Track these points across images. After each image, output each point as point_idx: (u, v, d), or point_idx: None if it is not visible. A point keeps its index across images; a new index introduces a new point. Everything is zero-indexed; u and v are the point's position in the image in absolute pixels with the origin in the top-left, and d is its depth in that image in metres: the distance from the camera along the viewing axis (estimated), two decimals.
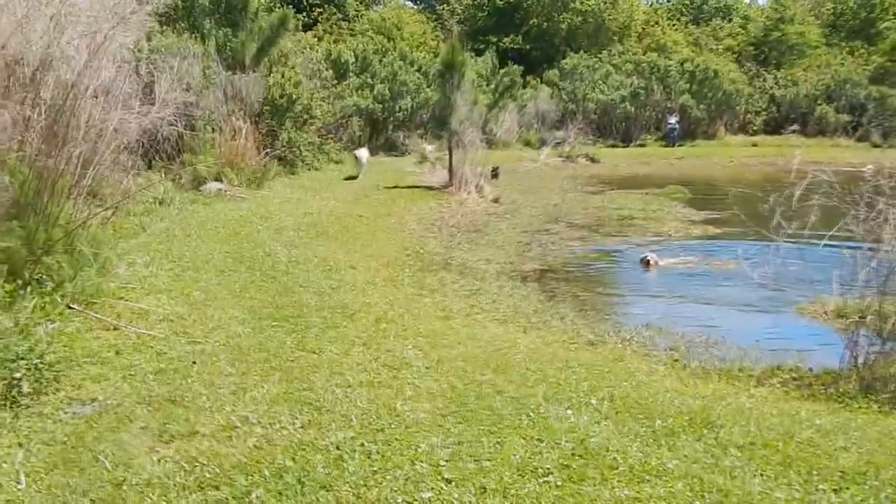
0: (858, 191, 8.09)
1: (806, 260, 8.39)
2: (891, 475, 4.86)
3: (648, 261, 14.39)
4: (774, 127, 47.29)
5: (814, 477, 4.82)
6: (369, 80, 32.32)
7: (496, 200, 21.74)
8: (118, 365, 6.49)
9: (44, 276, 7.58)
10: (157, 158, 17.36)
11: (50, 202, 8.14)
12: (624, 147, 44.66)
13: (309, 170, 23.80)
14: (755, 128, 49.98)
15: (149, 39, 17.34)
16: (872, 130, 40.50)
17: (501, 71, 42.21)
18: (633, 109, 46.37)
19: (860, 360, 7.72)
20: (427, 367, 6.69)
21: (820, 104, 49.19)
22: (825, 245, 8.82)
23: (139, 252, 10.68)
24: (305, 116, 23.93)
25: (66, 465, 4.72)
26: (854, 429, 5.90)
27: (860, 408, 6.92)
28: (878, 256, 7.87)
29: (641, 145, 45.51)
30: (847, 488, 4.68)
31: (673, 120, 45.45)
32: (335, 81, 29.89)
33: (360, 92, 31.47)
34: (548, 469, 4.75)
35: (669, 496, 4.44)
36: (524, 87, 45.33)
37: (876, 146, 35.60)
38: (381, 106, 32.22)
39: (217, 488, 4.41)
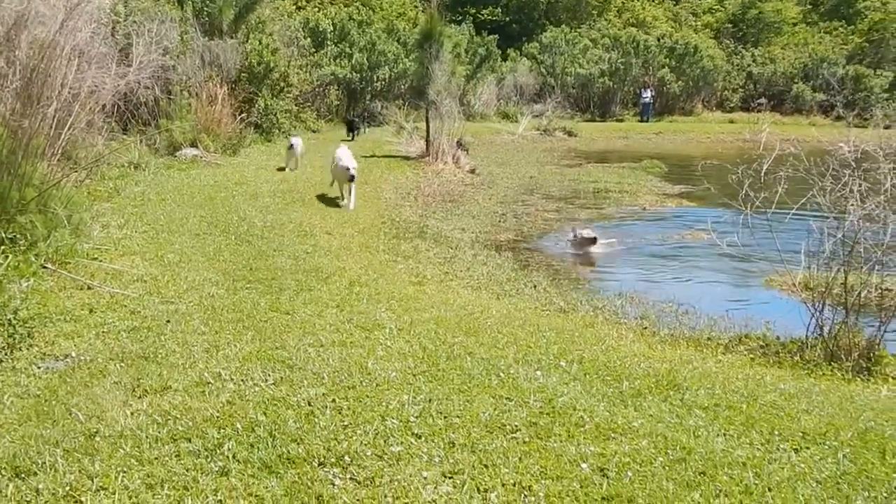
0: (825, 164, 8.21)
1: (774, 231, 8.48)
2: (850, 436, 4.97)
3: (594, 239, 13.52)
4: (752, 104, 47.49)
5: (775, 437, 4.93)
6: (347, 50, 32.19)
7: (473, 171, 21.79)
8: (91, 322, 6.52)
9: (17, 236, 7.59)
10: (132, 123, 17.27)
11: (24, 162, 8.12)
12: (601, 121, 44.79)
13: (286, 137, 23.73)
14: (732, 105, 50.20)
15: (126, 2, 17.21)
16: (847, 110, 40.80)
17: (477, 40, 42.09)
18: (611, 84, 46.47)
19: (825, 330, 7.85)
20: (399, 329, 6.75)
21: (797, 83, 49.44)
22: (793, 217, 8.93)
23: (113, 215, 10.69)
24: (282, 84, 23.89)
25: (39, 418, 4.76)
26: (817, 393, 6.03)
27: (824, 375, 7.07)
28: (844, 228, 7.99)
29: (619, 120, 45.67)
30: (807, 448, 4.80)
31: (647, 95, 45.54)
32: (313, 50, 29.77)
33: (337, 61, 31.35)
34: (516, 426, 4.83)
35: (634, 453, 4.53)
36: (503, 59, 45.29)
37: (851, 126, 35.91)
38: (358, 75, 32.12)
39: (189, 440, 4.46)
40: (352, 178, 14.04)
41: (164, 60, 15.09)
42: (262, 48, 22.55)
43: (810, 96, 48.23)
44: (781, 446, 4.79)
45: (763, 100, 46.33)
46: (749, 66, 51.76)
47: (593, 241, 13.17)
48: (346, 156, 14.55)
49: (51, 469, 4.09)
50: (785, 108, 48.08)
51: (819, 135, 16.41)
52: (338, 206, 14.03)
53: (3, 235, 7.37)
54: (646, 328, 8.62)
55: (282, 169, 17.79)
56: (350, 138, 25.44)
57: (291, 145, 17.89)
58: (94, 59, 9.56)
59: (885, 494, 4.19)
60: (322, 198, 14.60)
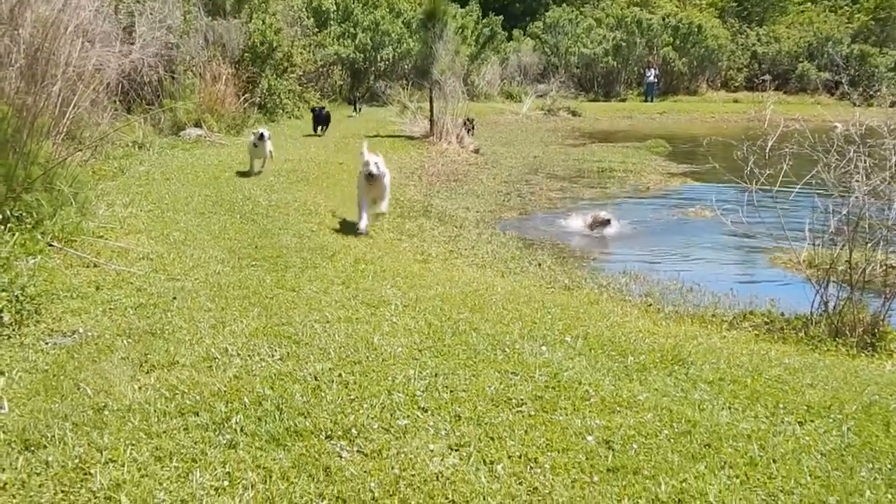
0: (830, 140, 8.20)
1: (779, 209, 8.48)
2: (854, 409, 4.99)
3: (609, 220, 13.31)
4: (756, 83, 47.39)
5: (780, 410, 4.95)
6: (351, 30, 32.13)
7: (477, 151, 21.77)
8: (98, 299, 6.54)
9: (23, 214, 7.59)
10: (136, 102, 17.27)
11: (29, 140, 8.13)
12: (605, 101, 44.70)
13: (289, 118, 23.78)
14: (737, 84, 50.07)
15: None
16: (852, 89, 40.66)
17: (483, 20, 41.99)
18: (615, 64, 46.35)
19: (830, 307, 7.86)
20: (405, 306, 6.77)
21: (802, 62, 49.28)
22: (798, 194, 8.93)
23: (118, 194, 10.70)
24: (286, 64, 23.86)
25: (47, 392, 4.79)
26: (821, 368, 6.04)
27: (828, 350, 7.09)
28: (849, 205, 7.99)
29: (623, 100, 45.59)
30: (812, 420, 4.82)
31: (651, 75, 45.44)
32: (316, 30, 29.71)
33: (341, 41, 31.29)
34: (521, 400, 4.85)
35: (639, 426, 4.56)
36: (508, 39, 45.19)
37: (856, 105, 35.71)
38: (362, 55, 32.07)
39: (197, 414, 4.49)
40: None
41: (167, 39, 15.05)
42: (266, 28, 22.51)
43: (815, 75, 48.08)
44: (786, 419, 4.82)
45: (767, 76, 46.21)
46: (754, 45, 51.61)
47: (607, 222, 13.10)
48: (264, 139, 13.87)
49: (60, 442, 4.11)
50: (790, 87, 47.93)
51: (824, 113, 16.38)
52: (344, 186, 14.00)
53: (10, 213, 7.38)
54: (650, 305, 8.64)
55: (244, 174, 13.91)
56: (355, 114, 26.19)
57: (262, 135, 14.13)
58: (98, 38, 9.54)
59: (889, 466, 4.21)
60: (326, 177, 14.60)
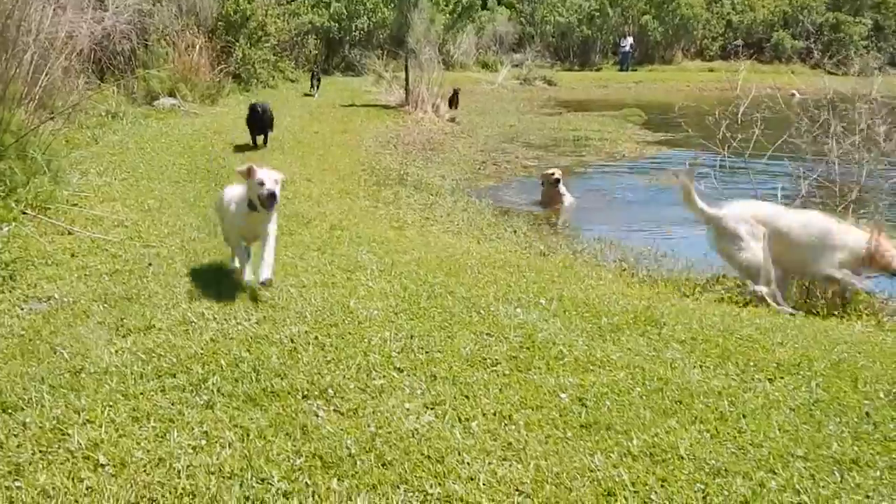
0: (802, 106, 8.29)
1: (752, 173, 8.57)
2: (823, 367, 5.08)
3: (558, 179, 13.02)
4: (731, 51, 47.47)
5: (751, 368, 5.03)
6: None
7: (453, 120, 21.76)
8: (73, 266, 6.54)
9: None
10: (109, 71, 17.11)
11: (1, 107, 8.08)
12: (581, 71, 44.68)
13: (264, 87, 23.64)
14: (712, 53, 50.13)
15: None
16: (825, 58, 40.81)
17: None
18: (590, 33, 46.29)
19: None
20: (381, 270, 6.81)
21: (777, 30, 49.40)
22: (771, 160, 9.01)
23: (92, 162, 10.65)
24: (260, 33, 23.70)
25: (23, 356, 4.80)
26: (792, 328, 6.14)
27: (799, 312, 7.18)
28: (819, 169, 8.09)
29: (598, 69, 45.57)
30: (782, 377, 4.90)
31: (627, 44, 45.42)
32: None
33: (315, 10, 31.08)
34: (496, 360, 4.91)
35: (612, 384, 4.62)
36: (483, 8, 45.00)
37: (830, 73, 35.85)
38: (337, 24, 31.88)
39: (174, 376, 4.51)
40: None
41: (140, 6, 14.92)
42: None
43: (790, 44, 48.22)
44: (756, 376, 4.90)
45: (739, 41, 46.27)
46: (729, 14, 51.67)
47: (557, 181, 12.96)
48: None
49: (37, 404, 4.13)
50: (764, 56, 48.04)
51: (798, 83, 16.47)
52: (319, 154, 13.98)
53: None
54: (624, 270, 8.72)
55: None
56: (314, 93, 24.27)
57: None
58: (70, 4, 9.46)
59: (856, 419, 4.29)
60: (302, 145, 14.57)
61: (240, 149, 13.44)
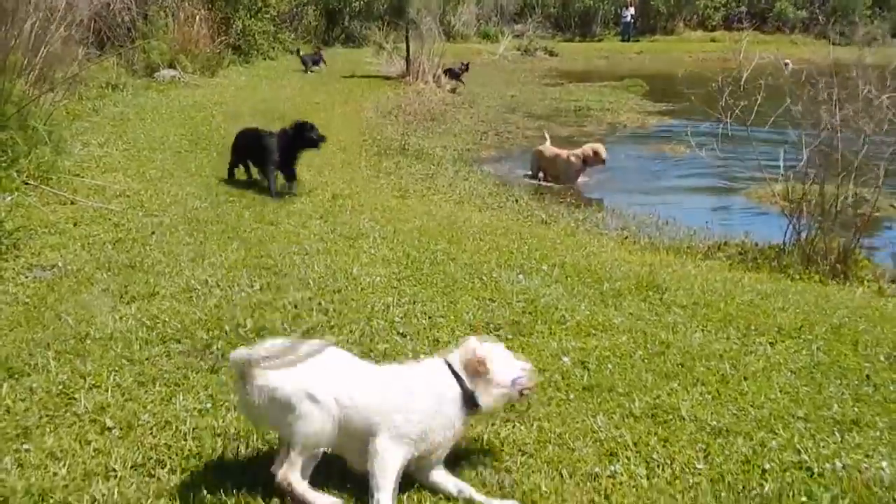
0: (803, 73, 8.27)
1: (754, 142, 8.56)
2: (824, 331, 5.11)
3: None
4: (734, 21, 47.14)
5: (752, 332, 5.06)
6: None
7: (454, 91, 21.68)
8: (76, 235, 6.55)
9: None
10: (109, 43, 17.04)
11: (1, 78, 8.06)
12: (582, 41, 44.46)
13: (264, 59, 23.59)
14: (714, 23, 49.77)
15: None
16: (829, 27, 40.57)
17: None
18: (591, 3, 46.02)
19: (803, 236, 7.97)
20: (383, 238, 6.83)
21: (779, 0, 49.08)
22: (773, 130, 9.01)
23: (93, 133, 10.65)
24: (260, 4, 23.57)
25: (29, 323, 4.82)
26: (793, 293, 6.17)
27: (801, 278, 7.21)
28: (820, 137, 8.08)
29: (600, 40, 45.32)
30: (783, 341, 4.94)
31: (628, 14, 45.13)
32: None
33: None
34: (499, 324, 4.95)
35: (614, 347, 4.66)
36: None
37: (833, 44, 35.66)
38: None
39: (178, 342, 4.54)
40: None
41: None
42: None
43: (793, 14, 47.93)
44: (757, 340, 4.93)
45: (743, 8, 45.98)
46: None
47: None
48: None
49: (43, 370, 4.17)
50: (767, 26, 47.75)
51: (804, 52, 16.40)
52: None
53: None
54: (626, 238, 8.74)
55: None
56: (315, 68, 23.20)
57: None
58: None
59: (856, 381, 4.33)
60: (303, 116, 14.52)
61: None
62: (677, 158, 14.18)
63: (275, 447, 3.37)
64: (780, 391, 4.17)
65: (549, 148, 12.59)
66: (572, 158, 12.17)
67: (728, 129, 8.54)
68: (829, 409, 3.99)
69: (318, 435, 3.04)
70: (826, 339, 4.99)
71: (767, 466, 3.44)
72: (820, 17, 32.13)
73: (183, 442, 3.53)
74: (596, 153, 12.13)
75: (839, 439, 3.69)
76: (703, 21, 50.16)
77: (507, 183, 11.92)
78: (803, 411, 3.95)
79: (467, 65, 22.72)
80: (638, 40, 44.56)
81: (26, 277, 5.61)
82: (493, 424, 3.71)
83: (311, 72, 22.73)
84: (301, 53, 23.91)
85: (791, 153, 8.74)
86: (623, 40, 44.70)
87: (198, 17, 19.22)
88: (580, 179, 12.36)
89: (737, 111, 8.49)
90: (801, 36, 43.85)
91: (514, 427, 3.71)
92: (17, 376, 4.11)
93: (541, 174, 12.43)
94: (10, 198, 6.81)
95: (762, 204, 10.62)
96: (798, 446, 3.61)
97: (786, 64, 8.48)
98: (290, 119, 12.52)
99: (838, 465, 3.45)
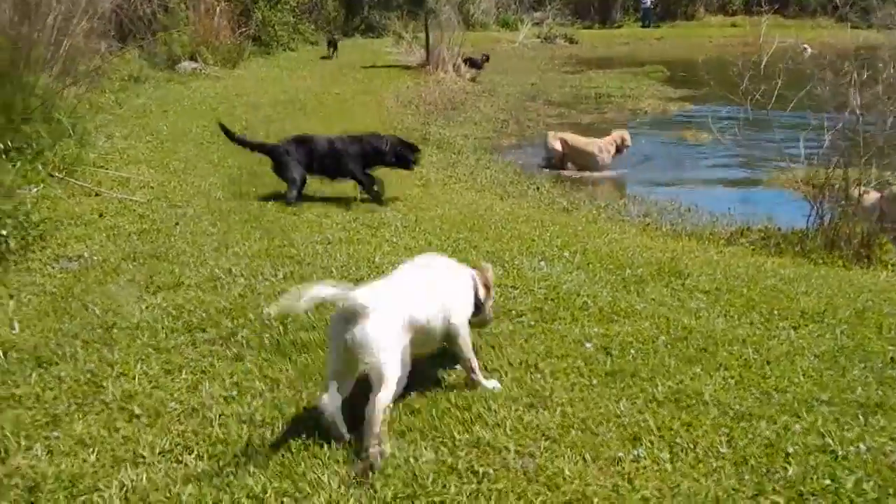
0: (824, 56, 8.22)
1: (776, 126, 8.54)
2: (847, 315, 5.09)
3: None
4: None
5: (775, 317, 5.05)
6: None
7: (473, 80, 21.68)
8: (102, 226, 6.62)
9: (24, 145, 7.64)
10: (131, 35, 17.15)
11: (26, 71, 8.14)
12: (602, 28, 44.31)
13: (284, 50, 23.66)
14: (735, 8, 49.45)
15: None
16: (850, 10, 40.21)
17: None
18: None
19: (826, 221, 7.95)
20: (405, 227, 6.86)
21: None
22: (794, 114, 8.98)
23: (116, 126, 10.74)
24: None
25: (56, 313, 4.88)
26: (816, 278, 6.14)
27: (824, 262, 7.19)
28: (843, 120, 8.04)
29: (619, 26, 45.16)
30: (806, 325, 4.92)
31: (648, 0, 44.96)
32: None
33: None
34: (521, 311, 4.96)
35: (636, 333, 4.66)
36: None
37: (855, 27, 35.35)
38: None
39: (204, 330, 4.59)
40: None
41: None
42: None
43: None
44: (780, 325, 4.92)
45: None
46: None
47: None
48: None
49: (71, 358, 4.22)
50: (788, 11, 47.40)
51: (826, 36, 16.30)
52: (341, 115, 13.98)
53: (10, 144, 7.42)
54: (648, 224, 8.73)
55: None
56: (332, 55, 24.18)
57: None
58: None
59: (880, 365, 4.31)
60: (324, 107, 14.58)
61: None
62: (699, 144, 14.14)
63: (300, 438, 3.40)
64: (804, 375, 4.16)
65: (575, 137, 12.58)
66: (609, 147, 12.23)
67: (749, 114, 8.51)
68: (852, 392, 3.98)
69: (407, 364, 3.58)
70: (850, 323, 4.97)
71: (791, 450, 3.44)
72: (839, 1, 31.83)
73: (209, 429, 3.57)
74: (623, 139, 12.23)
75: (863, 423, 3.68)
76: (724, 5, 49.89)
77: (528, 171, 11.92)
78: (827, 395, 3.94)
79: (488, 56, 22.69)
80: (658, 26, 44.39)
81: (53, 268, 5.67)
82: (515, 410, 3.73)
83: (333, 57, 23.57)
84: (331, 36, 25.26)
85: (812, 138, 8.71)
86: (643, 26, 44.53)
87: (218, 9, 19.32)
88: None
89: (757, 95, 8.45)
90: (823, 19, 43.53)
91: (537, 412, 3.72)
92: (45, 365, 4.17)
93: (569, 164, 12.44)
94: (36, 190, 6.89)
95: (785, 189, 10.57)
96: (822, 430, 3.60)
97: (804, 49, 8.44)
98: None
99: (862, 448, 3.44)
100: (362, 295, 3.42)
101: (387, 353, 3.37)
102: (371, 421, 3.24)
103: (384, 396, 3.30)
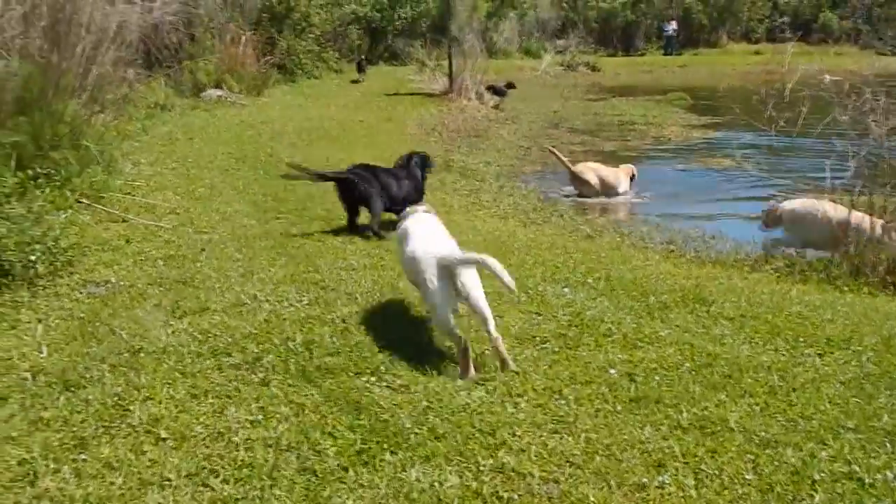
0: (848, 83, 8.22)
1: (798, 150, 8.53)
2: (874, 342, 5.07)
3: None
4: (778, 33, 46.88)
5: (800, 343, 5.04)
6: None
7: (497, 107, 21.76)
8: (129, 252, 6.68)
9: (52, 171, 7.72)
10: (157, 63, 17.35)
11: (55, 99, 8.24)
12: (625, 56, 44.44)
13: (308, 78, 23.85)
14: (758, 35, 49.54)
15: None
16: (875, 38, 40.15)
17: None
18: (633, 17, 46.00)
19: (851, 248, 7.91)
20: None
21: (824, 11, 48.69)
22: (818, 140, 8.97)
23: (143, 152, 10.84)
24: (303, 24, 23.85)
25: (84, 338, 4.93)
26: (842, 305, 6.12)
27: (849, 289, 7.15)
28: (868, 146, 8.03)
29: (642, 54, 45.28)
30: (831, 353, 4.91)
31: (670, 28, 45.08)
32: None
33: (358, 0, 31.22)
34: (545, 337, 4.97)
35: (661, 359, 4.66)
36: None
37: (881, 54, 35.20)
38: (380, 14, 31.97)
39: (230, 355, 4.62)
40: None
41: None
42: None
43: (837, 25, 47.53)
44: (806, 352, 4.91)
45: (786, 17, 45.65)
46: None
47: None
48: None
49: (98, 382, 4.25)
50: (812, 37, 47.39)
51: (850, 63, 16.25)
52: (365, 142, 14.06)
53: (39, 170, 7.51)
54: (672, 251, 8.71)
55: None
56: (361, 78, 25.27)
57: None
58: None
59: None
60: (347, 134, 14.68)
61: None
62: (723, 170, 14.11)
63: (327, 462, 3.42)
64: (830, 402, 4.15)
65: (599, 166, 12.63)
66: (626, 176, 12.42)
67: (774, 141, 8.51)
68: (879, 419, 3.96)
69: None
70: (876, 350, 4.95)
71: (817, 477, 3.42)
72: (864, 28, 31.82)
73: (235, 452, 3.59)
74: (633, 171, 12.79)
75: (890, 450, 3.66)
76: (747, 33, 49.95)
77: (550, 198, 11.94)
78: (853, 422, 3.92)
79: (513, 84, 22.74)
80: (681, 54, 44.48)
81: (81, 293, 5.72)
82: (540, 436, 3.73)
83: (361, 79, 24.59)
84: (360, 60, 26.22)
85: (837, 165, 8.69)
86: (666, 54, 44.66)
87: (243, 38, 19.51)
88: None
89: (781, 122, 8.46)
90: (846, 46, 43.49)
91: (561, 438, 3.73)
92: (73, 388, 4.20)
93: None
94: (64, 216, 6.96)
95: None
96: (848, 457, 3.59)
97: (824, 76, 8.46)
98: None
99: (889, 475, 3.43)
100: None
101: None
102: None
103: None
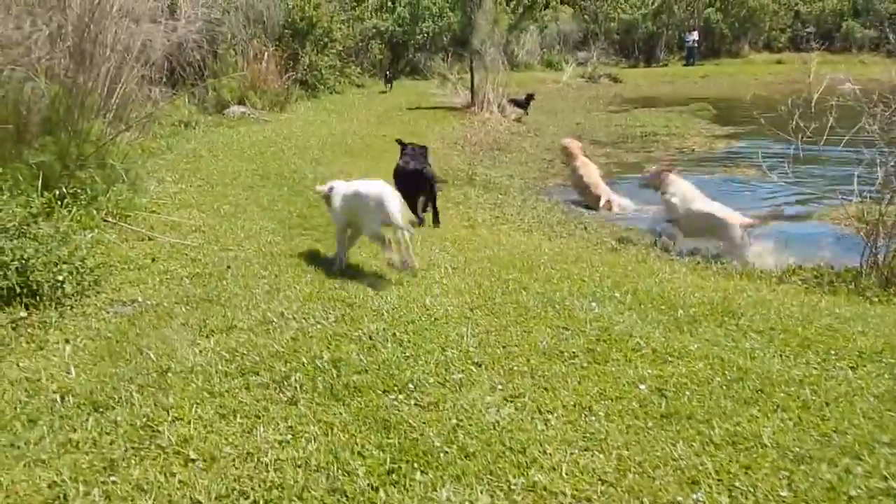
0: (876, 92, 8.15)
1: (825, 160, 8.46)
2: None
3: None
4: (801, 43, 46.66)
5: (832, 357, 4.99)
6: (390, 3, 32.17)
7: (519, 120, 21.74)
8: (155, 270, 6.70)
9: (78, 190, 7.77)
10: (181, 83, 17.47)
11: (80, 118, 8.30)
12: (646, 67, 44.35)
13: (331, 93, 23.93)
14: (780, 45, 49.32)
15: None
16: None
17: None
18: (655, 28, 45.94)
19: (880, 258, 7.84)
20: (454, 268, 6.86)
21: (846, 19, 48.43)
22: (845, 149, 8.89)
23: (168, 171, 10.89)
24: (326, 40, 23.95)
25: (111, 357, 4.94)
26: (872, 316, 6.06)
27: (879, 300, 7.08)
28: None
29: (664, 65, 45.18)
30: (864, 366, 4.85)
31: (691, 38, 44.99)
32: (354, 4, 29.77)
33: (379, 14, 31.32)
34: (573, 353, 4.93)
35: (691, 374, 4.62)
36: (545, 7, 44.87)
37: None
38: (401, 29, 32.07)
39: (257, 374, 4.61)
40: None
41: (209, 15, 15.21)
42: (305, 3, 22.64)
43: (860, 33, 47.24)
44: (838, 365, 4.86)
45: (811, 28, 45.42)
46: (796, 4, 50.77)
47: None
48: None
49: (127, 403, 4.26)
50: (835, 46, 47.13)
51: (875, 72, 16.12)
52: (388, 157, 14.08)
53: (65, 190, 7.56)
54: (698, 263, 8.64)
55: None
56: (388, 89, 26.14)
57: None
58: (143, 16, 9.69)
59: None
60: (370, 149, 14.69)
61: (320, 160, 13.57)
62: (747, 181, 14.02)
63: (357, 482, 3.40)
64: (864, 416, 4.10)
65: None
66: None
67: (799, 151, 8.44)
68: None
69: None
70: None
71: (854, 493, 3.38)
72: (890, 36, 31.56)
73: (265, 473, 3.58)
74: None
75: None
76: (769, 43, 49.75)
77: (575, 210, 11.90)
78: (888, 437, 3.87)
79: (533, 95, 22.73)
80: (702, 64, 44.34)
81: (108, 313, 5.74)
82: (571, 454, 3.70)
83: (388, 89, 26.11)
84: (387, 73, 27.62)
85: (864, 175, 8.62)
86: (687, 65, 44.55)
87: (266, 54, 19.61)
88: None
89: (808, 132, 8.39)
90: (870, 55, 43.21)
91: (593, 455, 3.70)
92: (101, 410, 4.21)
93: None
94: (90, 235, 6.98)
95: (835, 224, 10.44)
96: (885, 472, 3.54)
97: (846, 84, 8.42)
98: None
99: None
100: None
101: None
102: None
103: None
